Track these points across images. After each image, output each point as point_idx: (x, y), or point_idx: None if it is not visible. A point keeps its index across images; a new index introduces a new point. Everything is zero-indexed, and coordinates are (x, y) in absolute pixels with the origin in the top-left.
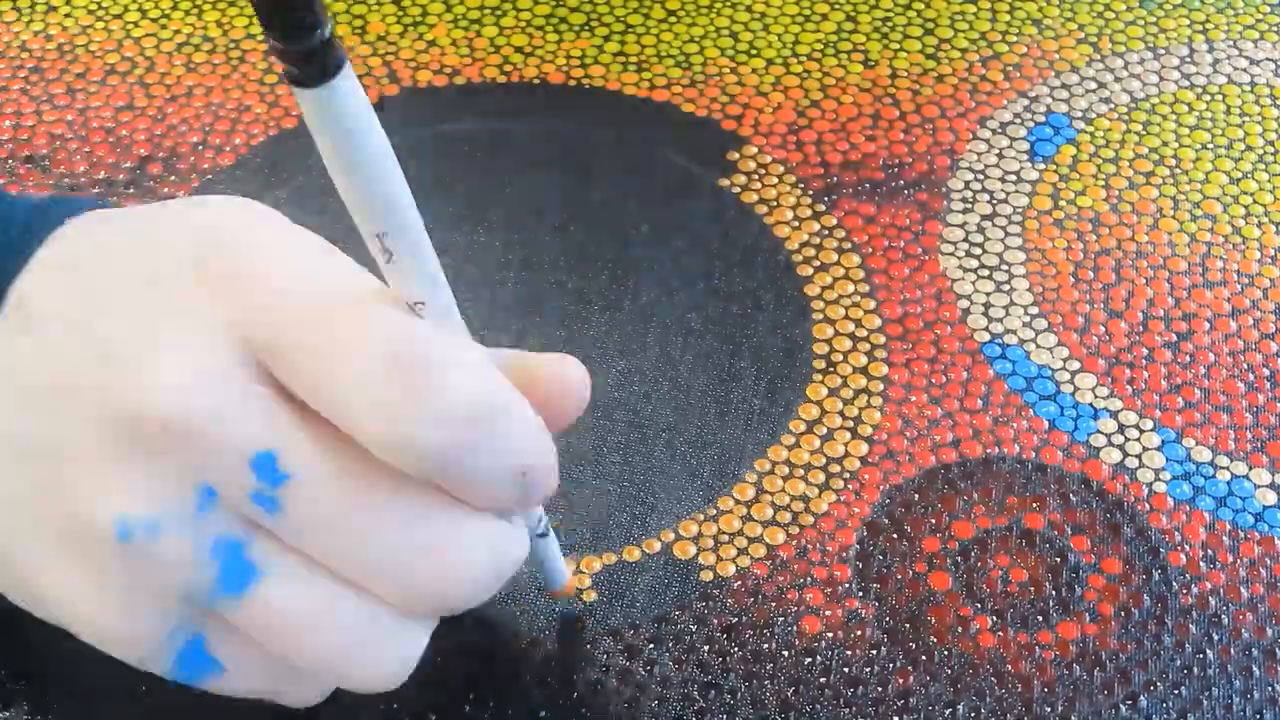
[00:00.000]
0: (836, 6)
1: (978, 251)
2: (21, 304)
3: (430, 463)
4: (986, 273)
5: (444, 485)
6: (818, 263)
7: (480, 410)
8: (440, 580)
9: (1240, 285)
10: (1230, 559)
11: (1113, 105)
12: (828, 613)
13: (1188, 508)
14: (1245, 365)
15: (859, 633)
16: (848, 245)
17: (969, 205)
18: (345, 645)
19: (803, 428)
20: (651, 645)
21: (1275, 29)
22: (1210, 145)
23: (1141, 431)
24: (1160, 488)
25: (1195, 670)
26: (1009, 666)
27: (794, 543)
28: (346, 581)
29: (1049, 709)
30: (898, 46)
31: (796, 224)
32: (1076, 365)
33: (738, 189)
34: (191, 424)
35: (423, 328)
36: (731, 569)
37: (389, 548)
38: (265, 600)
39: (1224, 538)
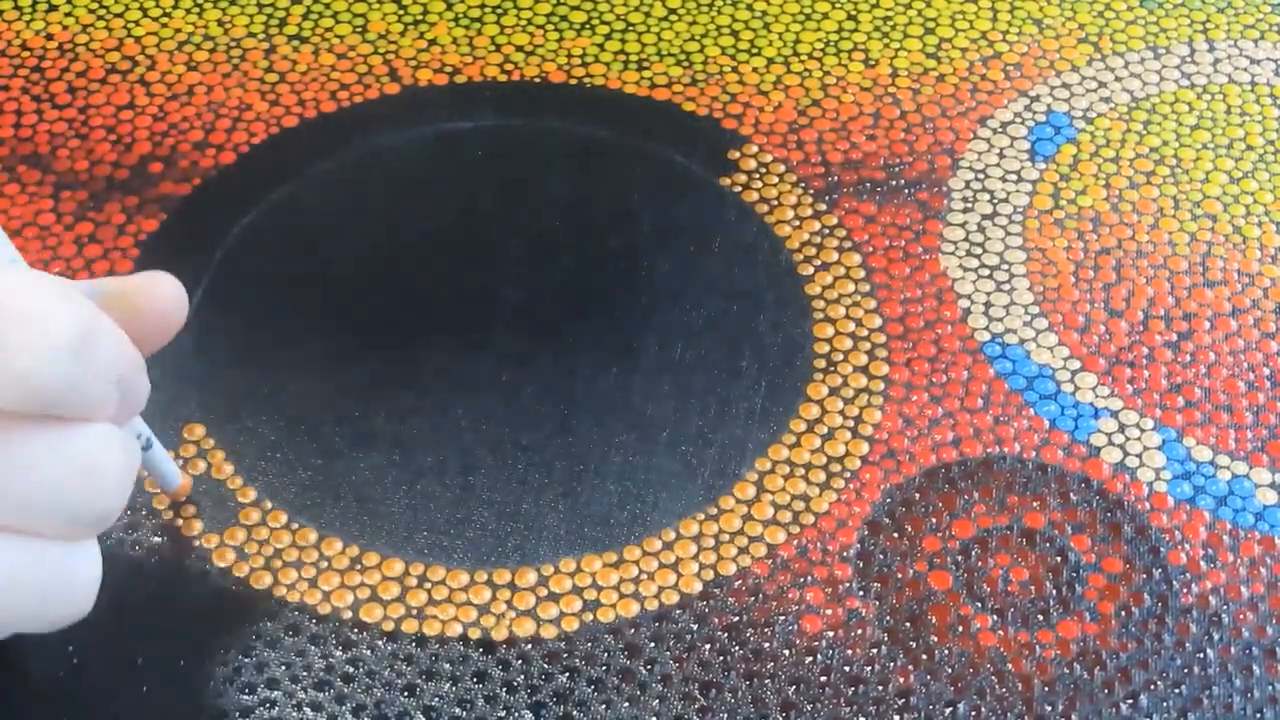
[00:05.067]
0: (837, 5)
1: (978, 251)
2: None
3: (49, 399)
4: (987, 272)
5: (53, 413)
6: (818, 262)
7: (77, 339)
8: (95, 493)
9: (1241, 285)
10: (1231, 558)
11: (1113, 104)
12: (828, 612)
13: (1188, 507)
14: (1246, 365)
15: (859, 632)
16: (848, 244)
17: (969, 204)
18: (27, 592)
19: (803, 427)
20: (653, 644)
21: (1276, 28)
22: (1211, 145)
23: (1142, 431)
24: (1161, 487)
25: (1195, 669)
26: (1009, 665)
27: (794, 542)
28: (3, 531)
29: (1049, 708)
30: (898, 45)
31: (797, 223)
32: (1077, 364)
33: (738, 188)
34: None
35: None
36: (732, 568)
37: (36, 485)
38: None
39: (1224, 537)
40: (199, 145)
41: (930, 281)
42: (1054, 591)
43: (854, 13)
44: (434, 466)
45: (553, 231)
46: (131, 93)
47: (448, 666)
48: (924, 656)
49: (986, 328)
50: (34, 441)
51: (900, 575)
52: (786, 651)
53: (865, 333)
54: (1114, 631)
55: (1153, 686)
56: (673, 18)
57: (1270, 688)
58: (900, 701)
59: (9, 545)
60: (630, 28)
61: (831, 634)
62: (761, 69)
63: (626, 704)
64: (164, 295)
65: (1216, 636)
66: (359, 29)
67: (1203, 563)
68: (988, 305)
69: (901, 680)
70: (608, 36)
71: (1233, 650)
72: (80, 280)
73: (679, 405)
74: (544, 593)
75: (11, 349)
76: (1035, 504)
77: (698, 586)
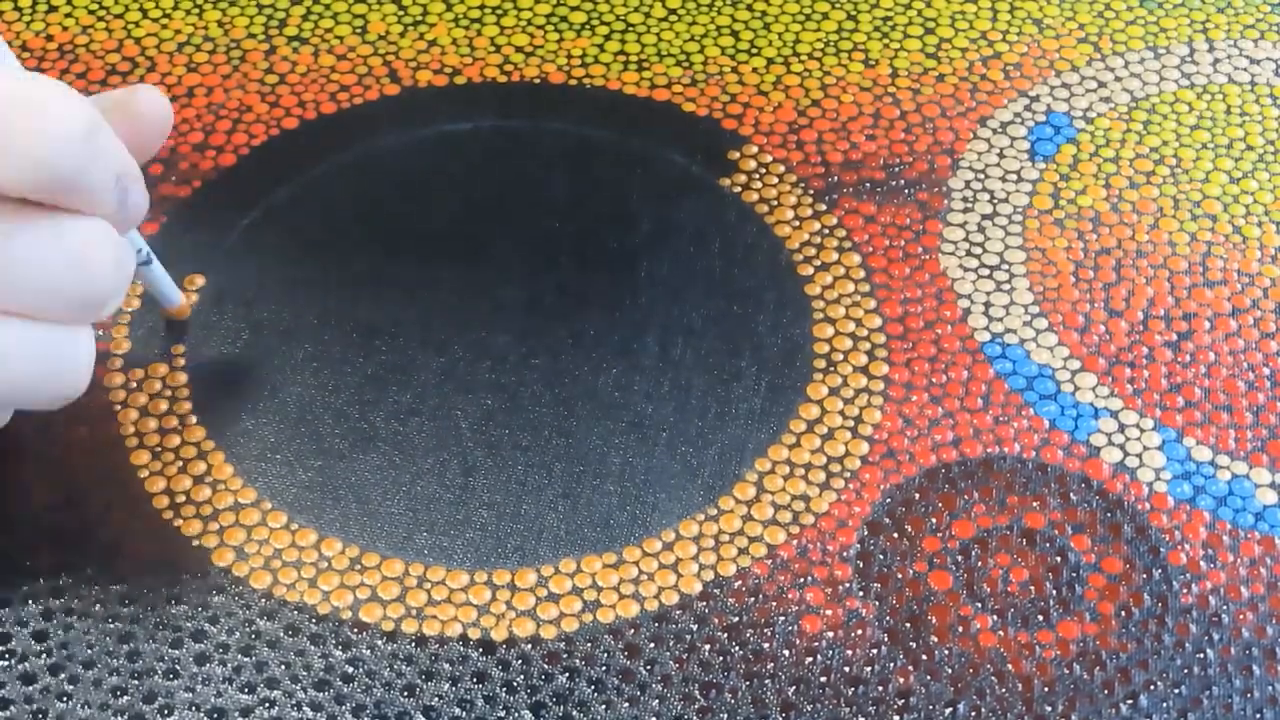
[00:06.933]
0: (837, 5)
1: (978, 251)
2: None
3: (60, 183)
4: (987, 272)
5: (58, 200)
6: (818, 262)
7: (87, 127)
8: (89, 280)
9: (1241, 284)
10: (1231, 558)
11: (1113, 104)
12: (828, 612)
13: (1188, 507)
14: (1246, 364)
15: (859, 632)
16: (848, 245)
17: (969, 204)
18: (28, 369)
19: (803, 427)
20: (652, 644)
21: (1275, 28)
22: (1210, 144)
23: (1142, 431)
24: (1161, 487)
25: (1195, 669)
26: (1009, 666)
27: (794, 542)
28: (6, 315)
29: (1049, 708)
30: (898, 45)
31: (797, 223)
32: (1077, 364)
33: (738, 188)
34: None
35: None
36: (732, 568)
37: (35, 269)
38: None
39: (1224, 537)
40: (199, 147)
41: (930, 281)
42: (1054, 591)
43: (854, 13)
44: (434, 467)
45: (553, 231)
46: None
47: (447, 667)
48: (924, 657)
49: (986, 328)
50: (34, 229)
51: (900, 575)
52: (786, 652)
53: (865, 333)
54: (1114, 632)
55: (1153, 687)
56: (673, 18)
57: (1270, 688)
58: (900, 702)
59: (11, 327)
60: (630, 28)
61: (831, 634)
62: (761, 69)
63: (626, 704)
64: (152, 99)
65: (1216, 637)
66: (359, 30)
67: (1203, 563)
68: (988, 305)
69: (901, 680)
70: (608, 37)
71: (1233, 650)
72: None
73: (679, 405)
74: (544, 593)
75: (26, 134)
76: (1035, 504)
77: (697, 587)
